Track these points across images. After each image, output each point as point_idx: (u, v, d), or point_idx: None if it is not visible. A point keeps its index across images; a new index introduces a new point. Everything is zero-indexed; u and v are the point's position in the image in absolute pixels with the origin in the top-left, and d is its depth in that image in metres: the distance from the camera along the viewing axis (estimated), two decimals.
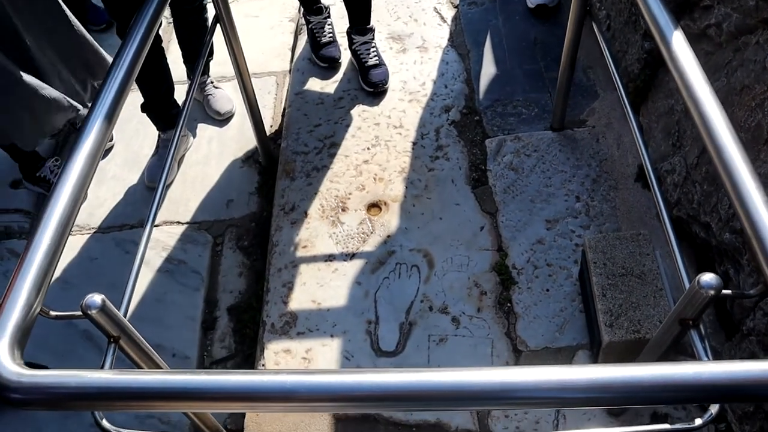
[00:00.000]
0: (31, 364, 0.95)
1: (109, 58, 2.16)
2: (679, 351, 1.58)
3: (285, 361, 1.77)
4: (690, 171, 1.78)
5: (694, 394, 0.81)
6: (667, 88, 2.07)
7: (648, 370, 0.81)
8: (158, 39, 2.12)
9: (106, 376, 0.86)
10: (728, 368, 0.80)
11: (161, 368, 1.21)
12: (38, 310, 0.98)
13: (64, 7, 1.99)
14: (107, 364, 1.04)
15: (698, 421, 1.00)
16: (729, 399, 0.81)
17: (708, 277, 0.98)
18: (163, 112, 2.33)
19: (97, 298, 1.01)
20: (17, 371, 0.86)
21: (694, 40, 1.88)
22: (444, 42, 2.68)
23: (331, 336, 1.81)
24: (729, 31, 1.73)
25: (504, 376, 0.82)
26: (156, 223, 1.73)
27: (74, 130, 2.57)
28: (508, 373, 0.82)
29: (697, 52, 1.89)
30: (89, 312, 1.00)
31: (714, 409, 1.00)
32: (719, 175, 1.04)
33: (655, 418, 1.54)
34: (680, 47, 1.30)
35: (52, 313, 1.04)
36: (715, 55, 1.83)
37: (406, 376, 0.82)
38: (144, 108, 2.31)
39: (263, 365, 1.77)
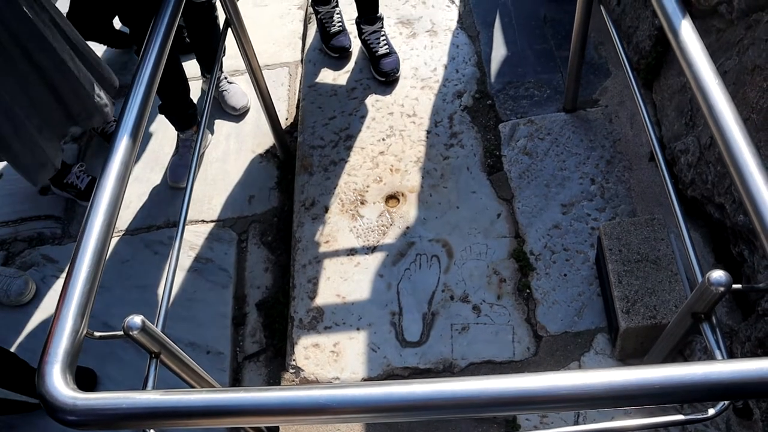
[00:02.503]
0: (79, 369, 1.02)
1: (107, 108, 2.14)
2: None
3: (314, 355, 1.84)
4: (703, 151, 1.80)
5: (704, 394, 0.86)
6: (679, 65, 2.06)
7: (659, 372, 0.85)
8: (173, 43, 2.15)
9: (155, 397, 0.93)
10: (736, 367, 0.84)
11: (200, 376, 1.28)
12: (84, 333, 1.05)
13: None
14: (150, 380, 1.11)
15: (711, 411, 1.05)
16: (738, 397, 0.85)
17: (718, 275, 1.01)
18: (180, 112, 2.39)
19: (137, 319, 1.07)
20: (72, 395, 0.93)
21: (705, 16, 1.88)
22: (453, 24, 2.68)
23: (358, 329, 1.88)
24: (740, 9, 1.72)
25: (523, 383, 0.87)
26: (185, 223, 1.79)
27: (96, 134, 2.64)
28: (526, 380, 0.87)
29: (708, 29, 1.89)
30: (131, 333, 1.06)
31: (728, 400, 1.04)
32: (729, 172, 1.06)
33: None
34: (689, 38, 1.30)
35: (97, 334, 1.11)
36: (726, 33, 1.83)
37: (432, 387, 0.88)
38: (162, 110, 2.37)
39: (294, 360, 1.85)
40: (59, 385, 0.94)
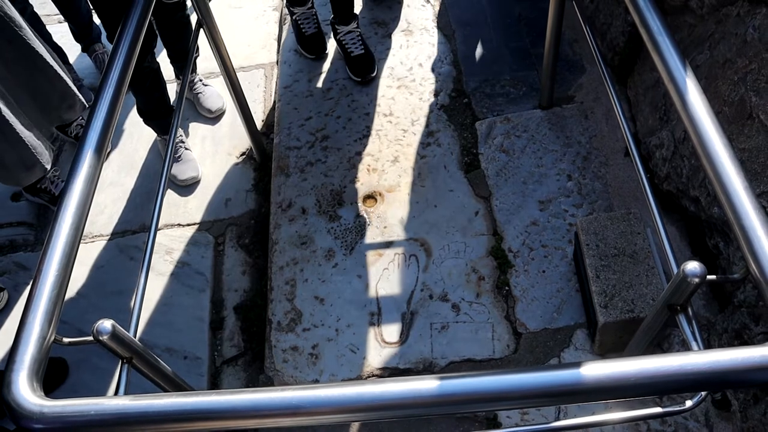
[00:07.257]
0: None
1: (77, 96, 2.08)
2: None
3: (293, 358, 1.82)
4: (678, 145, 1.81)
5: (681, 386, 0.86)
6: (652, 60, 2.07)
7: (634, 365, 0.85)
8: (148, 48, 2.10)
9: (123, 403, 0.90)
10: (712, 358, 0.84)
11: (173, 381, 1.25)
12: (52, 339, 1.02)
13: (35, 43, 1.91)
14: (122, 386, 1.08)
15: (689, 403, 1.05)
16: (713, 387, 0.85)
17: (692, 266, 1.01)
18: (161, 117, 2.34)
19: (107, 323, 1.04)
20: (39, 402, 0.90)
21: (676, 12, 1.89)
22: (429, 23, 2.67)
23: (336, 330, 1.86)
24: (710, 4, 1.74)
25: (500, 379, 0.86)
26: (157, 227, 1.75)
27: (70, 138, 2.59)
28: (503, 377, 0.86)
29: (680, 25, 1.91)
30: (101, 338, 1.04)
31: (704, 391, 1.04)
32: (703, 165, 1.07)
33: None
34: (661, 33, 1.31)
35: (66, 340, 1.08)
36: (698, 27, 1.84)
37: (405, 385, 0.87)
38: (142, 115, 2.32)
39: (272, 363, 1.82)
40: (25, 392, 0.91)
